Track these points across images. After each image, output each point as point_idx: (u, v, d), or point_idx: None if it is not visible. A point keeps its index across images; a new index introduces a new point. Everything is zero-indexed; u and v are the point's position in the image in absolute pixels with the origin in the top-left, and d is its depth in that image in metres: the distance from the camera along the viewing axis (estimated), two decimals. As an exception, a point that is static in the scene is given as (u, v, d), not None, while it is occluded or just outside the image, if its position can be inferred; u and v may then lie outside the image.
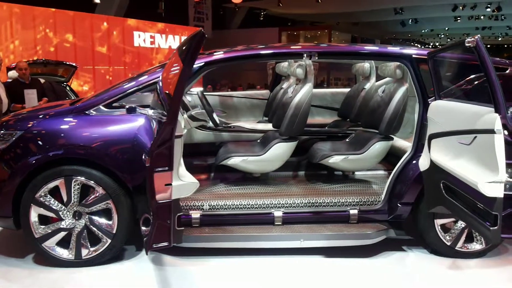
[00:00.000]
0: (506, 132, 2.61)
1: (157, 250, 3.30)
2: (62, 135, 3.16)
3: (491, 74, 2.64)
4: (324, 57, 3.92)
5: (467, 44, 2.69)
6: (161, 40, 15.18)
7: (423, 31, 28.37)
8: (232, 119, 5.28)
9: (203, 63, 3.41)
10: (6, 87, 5.72)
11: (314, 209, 3.50)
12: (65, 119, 3.26)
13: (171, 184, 2.69)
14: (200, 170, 4.32)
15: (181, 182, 2.86)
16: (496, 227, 2.61)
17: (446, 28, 26.56)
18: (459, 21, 21.76)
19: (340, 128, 4.87)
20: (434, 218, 3.35)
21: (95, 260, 3.20)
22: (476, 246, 3.41)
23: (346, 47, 4.24)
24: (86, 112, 3.28)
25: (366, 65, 4.79)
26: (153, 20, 15.25)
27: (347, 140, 4.26)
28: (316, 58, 3.58)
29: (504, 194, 2.58)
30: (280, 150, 3.85)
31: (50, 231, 3.14)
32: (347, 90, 5.28)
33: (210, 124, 4.45)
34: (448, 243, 3.39)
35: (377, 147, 3.82)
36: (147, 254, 3.27)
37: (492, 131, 2.58)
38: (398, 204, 3.41)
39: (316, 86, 8.92)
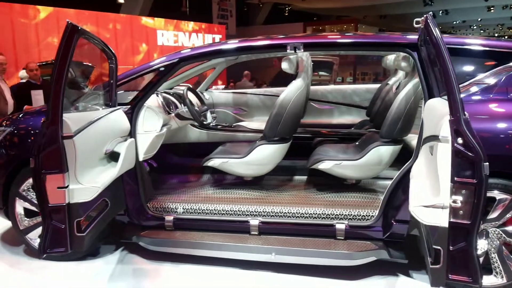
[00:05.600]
0: (460, 141, 2.03)
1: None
2: (33, 132, 3.26)
3: (444, 60, 2.11)
4: (308, 49, 3.36)
5: (416, 25, 2.35)
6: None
7: (454, 22, 27.45)
8: (248, 117, 5.17)
9: (177, 59, 3.28)
10: (17, 88, 5.90)
11: (295, 220, 3.13)
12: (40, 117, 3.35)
13: (65, 187, 2.61)
14: (192, 171, 4.22)
15: (80, 186, 2.68)
16: (438, 266, 2.12)
17: (479, 19, 25.62)
18: (492, 11, 20.96)
19: (362, 129, 4.46)
20: None
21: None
22: (495, 280, 2.61)
23: (334, 37, 3.44)
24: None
25: (391, 56, 4.18)
26: (177, 19, 15.52)
27: (357, 143, 3.87)
28: (302, 50, 3.15)
29: (454, 223, 2.04)
30: (265, 153, 3.54)
31: (32, 224, 3.28)
32: (370, 86, 4.92)
33: (208, 122, 4.35)
34: None
35: (380, 152, 3.32)
36: (41, 258, 3.07)
37: (436, 138, 2.09)
38: (393, 221, 2.93)
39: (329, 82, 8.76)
